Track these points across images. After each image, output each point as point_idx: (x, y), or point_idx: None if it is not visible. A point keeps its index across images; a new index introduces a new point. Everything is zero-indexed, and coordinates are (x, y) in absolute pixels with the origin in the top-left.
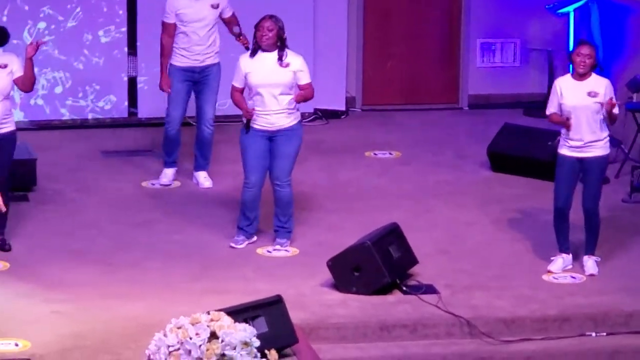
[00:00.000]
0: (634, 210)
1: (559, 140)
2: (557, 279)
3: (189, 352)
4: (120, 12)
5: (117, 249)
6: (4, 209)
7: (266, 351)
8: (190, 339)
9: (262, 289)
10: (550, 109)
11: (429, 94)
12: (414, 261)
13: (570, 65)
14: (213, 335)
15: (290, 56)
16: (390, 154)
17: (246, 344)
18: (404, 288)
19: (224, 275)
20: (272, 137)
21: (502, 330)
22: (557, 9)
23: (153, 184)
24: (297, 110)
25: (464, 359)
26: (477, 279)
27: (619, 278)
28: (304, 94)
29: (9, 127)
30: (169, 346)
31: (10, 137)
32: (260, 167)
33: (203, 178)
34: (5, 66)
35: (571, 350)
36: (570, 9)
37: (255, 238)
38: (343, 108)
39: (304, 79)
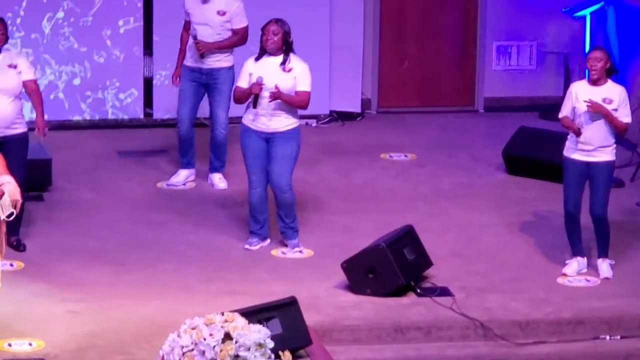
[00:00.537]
0: None
1: (569, 142)
2: (571, 282)
3: (203, 353)
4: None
5: (132, 250)
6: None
7: (280, 353)
8: (204, 339)
9: (276, 290)
10: (564, 112)
11: (444, 96)
12: (428, 263)
13: (587, 71)
14: (227, 336)
15: (295, 61)
16: (406, 156)
17: (260, 345)
18: (419, 290)
19: (238, 276)
20: (268, 139)
21: (517, 333)
22: (574, 12)
23: (168, 185)
24: (295, 117)
25: None
26: (491, 282)
27: (634, 281)
28: (287, 96)
29: (20, 129)
30: (182, 347)
31: (21, 139)
32: (260, 166)
33: (218, 179)
34: (15, 66)
35: (585, 353)
36: (586, 12)
37: (269, 241)
38: (359, 110)
39: (301, 85)
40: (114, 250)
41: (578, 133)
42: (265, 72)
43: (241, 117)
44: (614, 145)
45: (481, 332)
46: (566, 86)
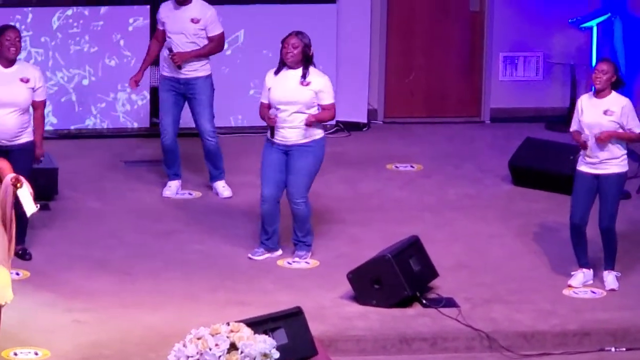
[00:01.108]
0: None
1: (580, 156)
2: (577, 293)
3: None
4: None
5: (138, 259)
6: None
7: None
8: (210, 349)
9: (282, 300)
10: (573, 126)
11: (451, 107)
12: (434, 274)
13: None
14: (233, 347)
15: (314, 75)
16: (412, 166)
17: (266, 355)
18: (424, 301)
19: (244, 286)
20: (287, 151)
21: (522, 344)
22: (581, 23)
23: (175, 195)
24: (317, 128)
25: None
26: (497, 293)
27: None
28: (318, 116)
29: (25, 138)
30: (188, 357)
31: (26, 148)
32: (274, 180)
33: (222, 188)
34: (27, 80)
35: None
36: (593, 23)
37: (280, 252)
38: (365, 120)
39: (326, 99)
40: (120, 260)
41: (584, 146)
42: (283, 85)
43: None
44: (624, 157)
45: (487, 343)
46: (573, 97)
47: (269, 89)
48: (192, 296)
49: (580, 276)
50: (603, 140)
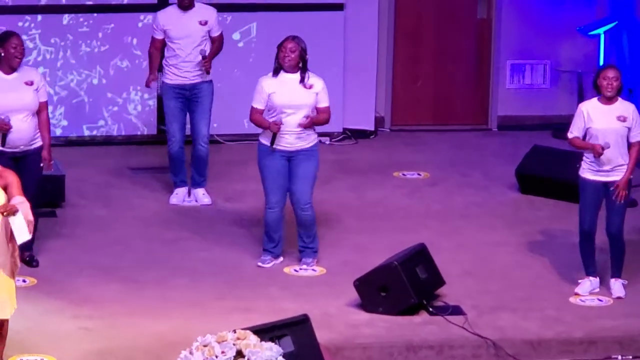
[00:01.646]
0: None
1: (584, 162)
2: (584, 301)
3: None
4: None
5: (145, 266)
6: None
7: None
8: (216, 357)
9: (288, 308)
10: (574, 132)
11: (458, 114)
12: (440, 282)
13: (598, 88)
14: (239, 354)
15: (313, 78)
16: (419, 174)
17: None
18: (431, 309)
19: (250, 293)
20: (290, 157)
21: (529, 352)
22: (588, 31)
23: (182, 202)
24: (315, 132)
25: None
26: (503, 301)
27: None
28: (315, 119)
29: (38, 143)
30: None
31: (38, 152)
32: (280, 187)
33: (202, 195)
34: (32, 83)
35: None
36: (600, 31)
37: (281, 259)
38: (372, 128)
39: (324, 101)
40: (127, 267)
41: (600, 152)
42: (287, 89)
43: (251, 135)
44: None
45: (493, 351)
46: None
47: (271, 94)
48: (198, 303)
49: (587, 284)
50: (622, 192)
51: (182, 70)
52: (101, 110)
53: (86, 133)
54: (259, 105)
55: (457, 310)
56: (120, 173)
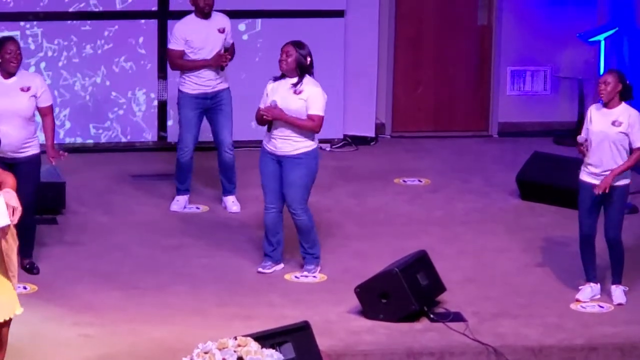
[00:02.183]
0: None
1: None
2: (584, 308)
3: None
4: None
5: (145, 273)
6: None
7: None
8: None
9: (289, 314)
10: (582, 133)
11: (458, 121)
12: (441, 288)
13: None
14: None
15: (308, 85)
16: (420, 181)
17: None
18: (432, 315)
19: (251, 300)
20: (279, 161)
21: (530, 358)
22: (588, 38)
23: (183, 209)
24: (308, 140)
25: None
26: (504, 307)
27: None
28: (295, 120)
29: (31, 150)
30: None
31: (32, 161)
32: (273, 188)
33: (231, 202)
34: (28, 89)
35: None
36: (601, 37)
37: (282, 265)
38: (372, 134)
39: (313, 109)
40: (127, 274)
41: (583, 154)
42: (277, 92)
43: (253, 141)
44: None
45: (494, 357)
46: (580, 112)
47: (267, 96)
48: (199, 310)
49: (588, 290)
50: (602, 189)
51: (204, 79)
52: (102, 117)
53: (87, 140)
54: (262, 105)
55: (457, 317)
56: (121, 179)
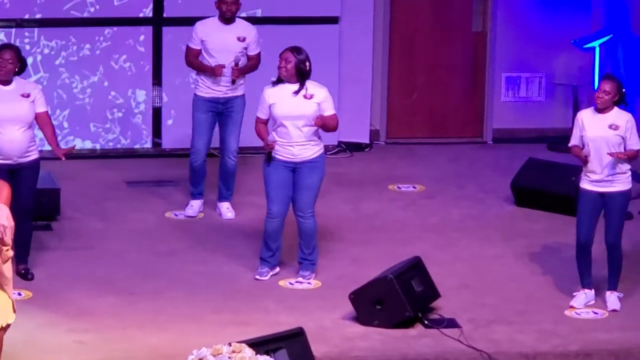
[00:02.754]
0: None
1: (582, 174)
2: (579, 314)
3: None
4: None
5: (140, 279)
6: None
7: None
8: None
9: (283, 321)
10: (573, 141)
11: (453, 127)
12: (436, 295)
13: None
14: None
15: (314, 87)
16: (414, 187)
17: None
18: (426, 322)
19: (245, 306)
20: (295, 168)
21: None
22: (583, 44)
23: (177, 215)
24: (321, 142)
25: None
26: (499, 314)
27: None
28: (324, 119)
29: (34, 155)
30: None
31: (33, 166)
32: (282, 197)
33: (226, 209)
34: (28, 95)
35: None
36: (595, 44)
37: (277, 269)
38: (367, 141)
39: (329, 109)
40: (123, 280)
41: (585, 161)
42: (286, 99)
43: (250, 148)
44: (629, 174)
45: None
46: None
47: (271, 105)
48: (194, 316)
49: (583, 297)
50: (613, 155)
51: (217, 83)
52: (96, 123)
53: (84, 146)
54: (261, 115)
55: (452, 323)
56: (116, 186)
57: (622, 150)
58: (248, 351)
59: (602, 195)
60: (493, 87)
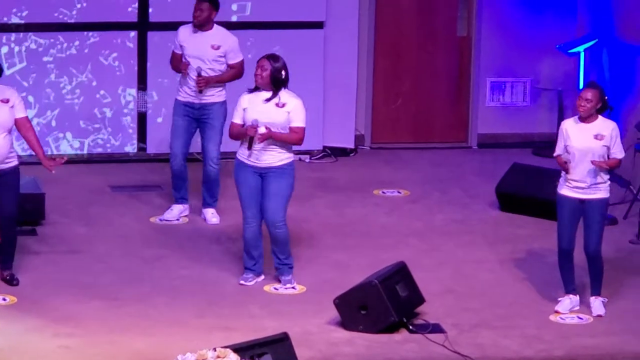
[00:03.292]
0: None
1: (561, 179)
2: (564, 319)
3: None
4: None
5: (125, 284)
6: None
7: None
8: None
9: (268, 326)
10: (558, 151)
11: (438, 132)
12: (421, 300)
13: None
14: None
15: (288, 97)
16: (399, 192)
17: None
18: (411, 327)
19: (230, 311)
20: (262, 174)
21: None
22: (568, 49)
23: (161, 220)
24: (288, 151)
25: None
26: (484, 318)
27: (626, 319)
28: (281, 135)
29: (14, 162)
30: None
31: (14, 171)
32: (255, 202)
33: (210, 215)
34: (7, 101)
35: None
36: (580, 49)
37: (263, 277)
38: (352, 146)
39: (296, 121)
40: (107, 285)
41: (567, 171)
42: (258, 106)
43: (234, 153)
44: (608, 182)
45: None
46: (560, 123)
47: (244, 109)
48: (179, 321)
49: (567, 302)
50: (598, 166)
51: (192, 89)
52: (83, 127)
53: (68, 151)
54: (236, 119)
55: (437, 328)
56: (100, 191)
57: (606, 159)
58: (233, 356)
59: (582, 202)
60: (478, 92)
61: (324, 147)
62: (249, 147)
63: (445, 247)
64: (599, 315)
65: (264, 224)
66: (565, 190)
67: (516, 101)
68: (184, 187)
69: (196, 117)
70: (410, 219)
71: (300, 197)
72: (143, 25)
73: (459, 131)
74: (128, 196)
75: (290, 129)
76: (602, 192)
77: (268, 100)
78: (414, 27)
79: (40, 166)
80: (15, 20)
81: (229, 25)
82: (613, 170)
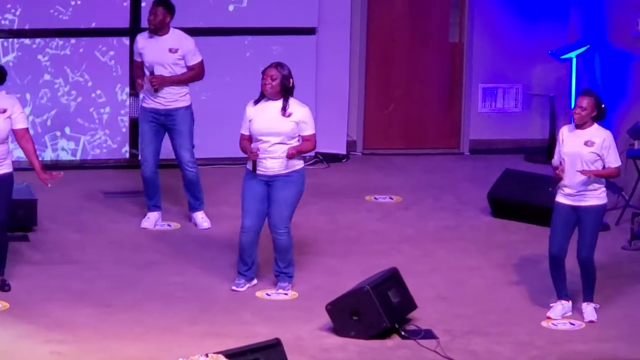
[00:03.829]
0: (634, 258)
1: (559, 187)
2: (556, 325)
3: None
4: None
5: (117, 290)
6: None
7: None
8: None
9: (260, 332)
10: (555, 155)
11: (430, 138)
12: (413, 306)
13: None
14: None
15: (295, 106)
16: (391, 198)
17: None
18: (403, 333)
19: (222, 317)
20: (269, 182)
21: None
22: (560, 55)
23: (153, 226)
24: (298, 159)
25: None
26: (476, 325)
27: (619, 325)
28: (300, 148)
29: (6, 169)
30: None
31: (6, 179)
32: (256, 211)
33: (201, 219)
34: (4, 111)
35: None
36: (572, 54)
37: (255, 281)
38: (344, 152)
39: (307, 130)
40: (99, 291)
41: (559, 178)
42: (264, 116)
43: (225, 158)
44: (603, 189)
45: None
46: (552, 129)
47: (250, 120)
48: (171, 327)
49: (559, 308)
50: (584, 174)
51: (155, 95)
52: (73, 134)
53: (61, 157)
54: (244, 131)
55: (429, 334)
56: (92, 197)
57: (599, 167)
58: None
59: (575, 209)
60: (470, 98)
61: (316, 153)
62: (253, 170)
63: (438, 253)
64: (591, 321)
65: (263, 231)
66: (559, 197)
67: (508, 107)
68: (157, 194)
69: (162, 124)
70: (402, 225)
71: None
72: (135, 31)
73: (451, 137)
74: (120, 202)
75: (303, 137)
76: (595, 199)
77: (284, 109)
78: (406, 33)
79: (33, 172)
80: (9, 16)
81: (223, 31)
82: (610, 179)
